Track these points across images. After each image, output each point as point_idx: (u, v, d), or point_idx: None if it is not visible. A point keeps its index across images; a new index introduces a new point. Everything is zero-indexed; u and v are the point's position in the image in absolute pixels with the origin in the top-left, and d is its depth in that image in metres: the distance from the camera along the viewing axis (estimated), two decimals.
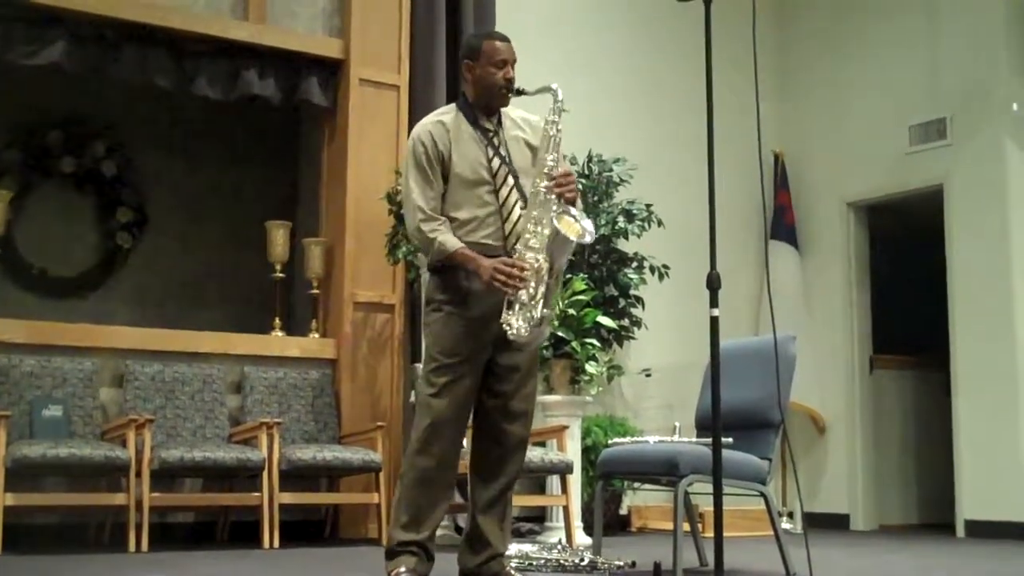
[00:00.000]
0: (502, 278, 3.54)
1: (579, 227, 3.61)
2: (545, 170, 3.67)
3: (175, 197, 8.09)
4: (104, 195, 7.94)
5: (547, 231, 3.60)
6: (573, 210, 3.64)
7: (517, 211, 3.72)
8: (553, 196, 3.62)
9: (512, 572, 3.82)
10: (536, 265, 3.58)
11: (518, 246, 3.64)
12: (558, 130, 3.74)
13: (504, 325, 3.56)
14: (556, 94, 3.74)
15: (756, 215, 8.13)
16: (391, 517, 3.78)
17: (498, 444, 3.81)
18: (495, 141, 3.80)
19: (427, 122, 3.84)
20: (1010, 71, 7.33)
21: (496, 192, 3.72)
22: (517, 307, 3.56)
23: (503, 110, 3.89)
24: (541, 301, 3.57)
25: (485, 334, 3.70)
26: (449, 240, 3.66)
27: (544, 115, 3.79)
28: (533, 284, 3.57)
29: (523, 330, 3.56)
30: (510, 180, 3.74)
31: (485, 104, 3.83)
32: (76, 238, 7.89)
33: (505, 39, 3.90)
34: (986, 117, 7.37)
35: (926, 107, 7.74)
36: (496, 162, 3.75)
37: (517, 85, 3.82)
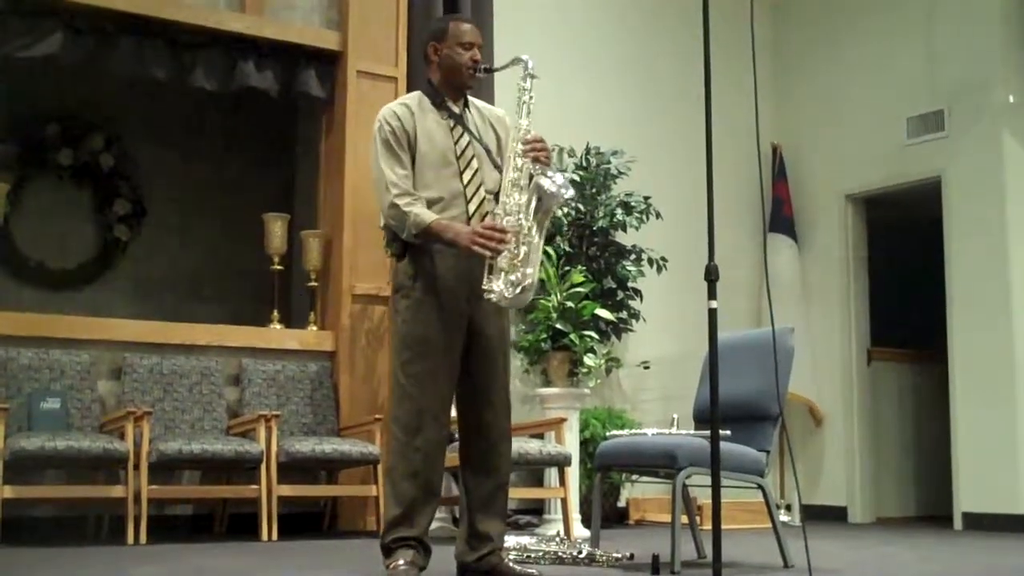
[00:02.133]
0: (482, 241, 3.51)
1: (559, 181, 3.62)
2: (520, 134, 3.68)
3: (173, 190, 8.09)
4: (102, 188, 7.93)
5: (525, 194, 3.60)
6: (549, 171, 3.64)
7: (482, 192, 3.72)
8: (528, 159, 3.62)
9: (510, 564, 3.82)
10: (516, 227, 3.57)
11: (496, 210, 3.64)
12: (530, 97, 3.74)
13: (486, 291, 3.54)
14: (527, 64, 3.75)
15: (754, 207, 8.13)
16: (384, 514, 3.75)
17: (481, 436, 3.78)
18: (463, 122, 3.80)
19: (392, 105, 3.85)
20: (1007, 63, 7.32)
21: (460, 174, 3.72)
22: (499, 271, 3.55)
23: (470, 99, 3.90)
24: (524, 263, 3.56)
25: (457, 319, 3.68)
26: (424, 213, 3.63)
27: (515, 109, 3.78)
28: (513, 246, 3.56)
29: (506, 293, 3.54)
30: (475, 163, 3.74)
31: (451, 86, 3.82)
32: (74, 231, 7.88)
33: (473, 22, 3.92)
34: (984, 109, 7.37)
35: (924, 99, 7.74)
36: (463, 142, 3.76)
37: (484, 64, 3.82)
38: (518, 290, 3.55)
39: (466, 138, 3.77)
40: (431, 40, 3.85)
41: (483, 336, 3.74)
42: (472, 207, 3.70)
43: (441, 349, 3.67)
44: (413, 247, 3.71)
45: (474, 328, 3.72)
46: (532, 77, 3.75)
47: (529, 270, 3.56)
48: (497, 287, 3.54)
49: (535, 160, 3.63)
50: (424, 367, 3.66)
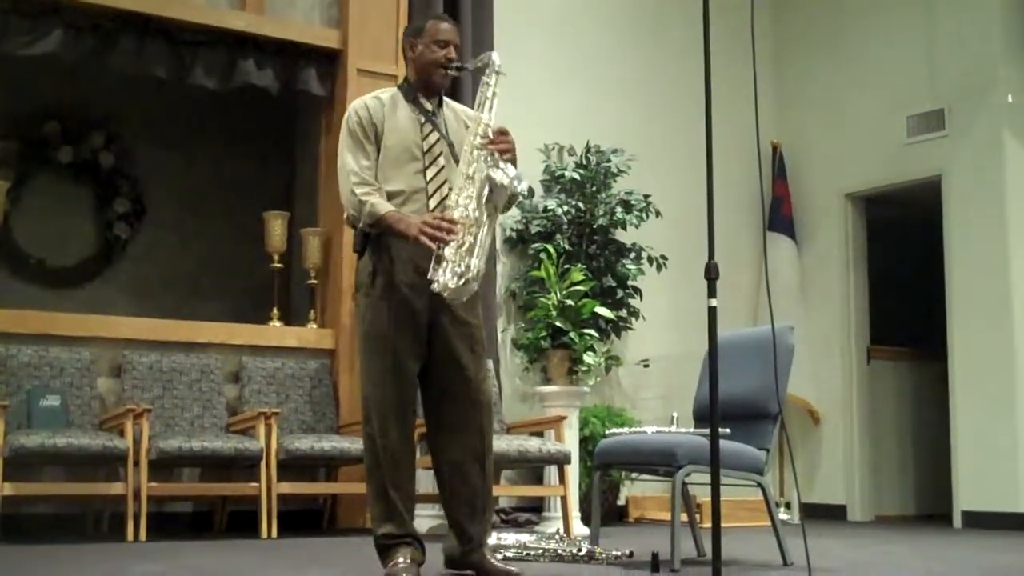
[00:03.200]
0: (430, 231, 3.51)
1: (510, 173, 3.61)
2: (480, 129, 3.68)
3: (173, 188, 8.09)
4: (102, 186, 7.94)
5: (477, 187, 3.60)
6: (503, 163, 3.62)
7: (444, 189, 3.71)
8: (485, 153, 3.63)
9: (492, 561, 3.81)
10: (464, 218, 3.57)
11: (447, 201, 3.64)
12: (494, 93, 3.74)
13: (430, 282, 3.52)
14: (493, 61, 3.76)
15: (754, 206, 8.13)
16: (371, 517, 3.74)
17: (452, 435, 3.75)
18: (434, 120, 3.81)
19: (364, 97, 3.88)
20: (1007, 62, 7.32)
21: (424, 170, 3.73)
22: (445, 262, 3.53)
23: (447, 100, 3.92)
24: (469, 254, 3.55)
25: (415, 316, 3.66)
26: (380, 204, 3.64)
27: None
28: (461, 236, 3.55)
29: (450, 284, 3.52)
30: (441, 160, 3.75)
31: (425, 83, 3.84)
32: (74, 229, 7.88)
33: (451, 22, 3.93)
34: (984, 108, 7.37)
35: (924, 98, 7.74)
36: (431, 139, 3.77)
37: (457, 63, 3.83)
38: (461, 281, 3.53)
39: (435, 135, 3.78)
40: (408, 36, 3.89)
41: (448, 332, 3.71)
42: (432, 203, 3.70)
43: (399, 347, 3.65)
44: (372, 244, 3.71)
45: (437, 325, 3.70)
46: (498, 74, 3.76)
47: (473, 261, 3.54)
48: (441, 278, 3.53)
49: (492, 153, 3.63)
50: (383, 365, 3.65)
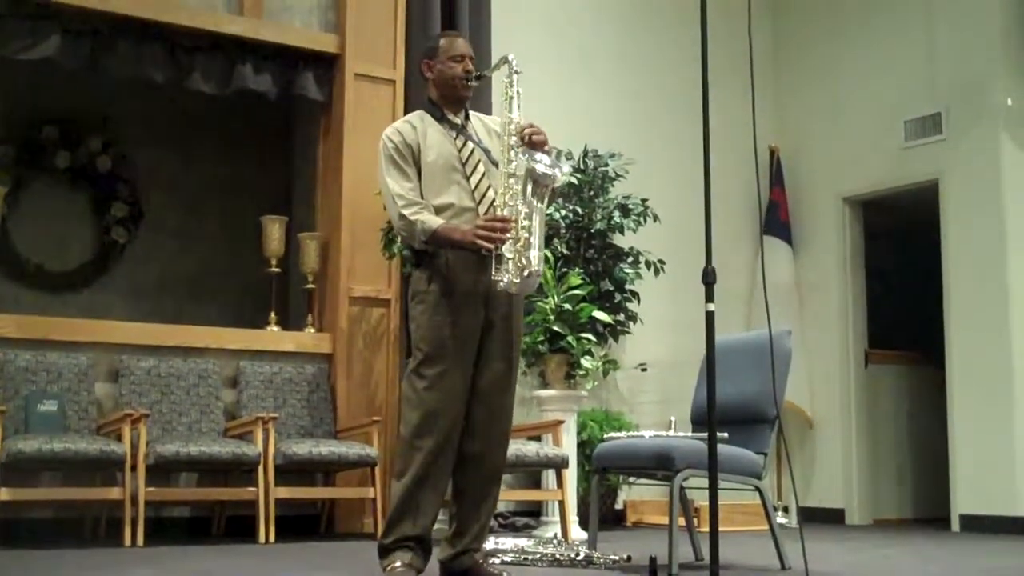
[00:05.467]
0: (484, 233, 3.60)
1: (547, 161, 3.70)
2: (511, 127, 3.76)
3: (170, 192, 8.08)
4: (99, 190, 7.92)
5: (521, 183, 3.67)
6: (538, 153, 3.70)
7: (491, 196, 3.78)
8: (521, 148, 3.70)
9: (484, 565, 3.82)
10: (514, 215, 3.65)
11: (496, 202, 3.73)
12: (517, 92, 3.82)
13: (495, 281, 3.60)
14: (511, 63, 3.83)
15: (751, 210, 8.14)
16: (387, 514, 3.77)
17: (477, 438, 3.79)
18: (465, 132, 3.89)
19: (394, 124, 3.98)
20: (1005, 65, 7.33)
21: (467, 179, 3.80)
22: (505, 260, 3.62)
23: (471, 112, 3.99)
24: (527, 247, 3.63)
25: (472, 322, 3.73)
26: (431, 219, 3.71)
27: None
28: (515, 233, 3.63)
29: (514, 279, 3.61)
30: (480, 168, 3.82)
31: (448, 99, 3.92)
32: (71, 233, 7.87)
33: (462, 37, 4.04)
34: (981, 112, 7.37)
35: (921, 102, 7.74)
36: (467, 149, 3.84)
37: (476, 72, 3.91)
38: (525, 274, 3.62)
39: (470, 146, 3.86)
40: (424, 59, 3.98)
41: (491, 340, 3.78)
42: (482, 209, 3.77)
43: (454, 352, 3.71)
44: (428, 254, 3.78)
45: (487, 334, 3.77)
46: (517, 73, 3.83)
47: (533, 254, 3.64)
48: (505, 276, 3.61)
49: (528, 144, 3.70)
50: (437, 370, 3.70)
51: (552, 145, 7.44)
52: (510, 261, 3.61)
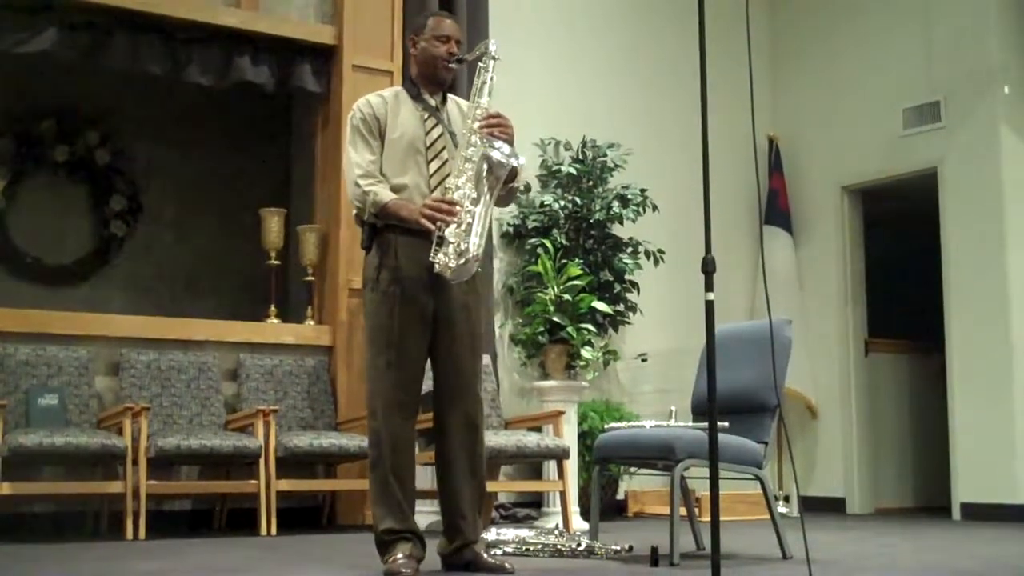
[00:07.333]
0: (430, 213, 3.59)
1: (505, 151, 3.69)
2: (478, 111, 3.75)
3: (169, 185, 8.07)
4: (97, 184, 7.91)
5: (475, 167, 3.67)
6: (497, 142, 3.69)
7: (449, 182, 3.74)
8: (481, 135, 3.69)
9: (486, 558, 3.82)
10: (463, 198, 3.64)
11: (447, 183, 3.71)
12: (490, 78, 3.81)
13: (432, 262, 3.59)
14: (489, 48, 3.83)
15: (750, 200, 8.13)
16: (372, 512, 3.76)
17: (451, 430, 3.79)
18: (438, 114, 3.87)
19: (367, 95, 3.95)
20: (1003, 54, 7.32)
21: (428, 163, 3.79)
22: (446, 243, 3.60)
23: (451, 96, 3.97)
24: (468, 232, 3.60)
25: (420, 310, 3.72)
26: (383, 193, 3.72)
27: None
28: (460, 216, 3.61)
29: (450, 263, 3.59)
30: (444, 154, 3.81)
31: (428, 79, 3.90)
32: (70, 227, 7.86)
33: (453, 18, 4.01)
34: (980, 100, 7.36)
35: (920, 90, 7.73)
36: (436, 133, 3.82)
37: (456, 56, 3.90)
38: (461, 260, 3.60)
39: (439, 129, 3.84)
40: (411, 33, 3.98)
41: (450, 330, 3.77)
42: (436, 195, 3.74)
43: (403, 342, 3.70)
44: (378, 239, 3.76)
45: (441, 321, 3.75)
46: (494, 60, 3.82)
47: (473, 240, 3.61)
48: (441, 258, 3.60)
49: (490, 134, 3.69)
50: (387, 359, 3.69)
51: (551, 136, 7.50)
52: (451, 245, 3.59)
